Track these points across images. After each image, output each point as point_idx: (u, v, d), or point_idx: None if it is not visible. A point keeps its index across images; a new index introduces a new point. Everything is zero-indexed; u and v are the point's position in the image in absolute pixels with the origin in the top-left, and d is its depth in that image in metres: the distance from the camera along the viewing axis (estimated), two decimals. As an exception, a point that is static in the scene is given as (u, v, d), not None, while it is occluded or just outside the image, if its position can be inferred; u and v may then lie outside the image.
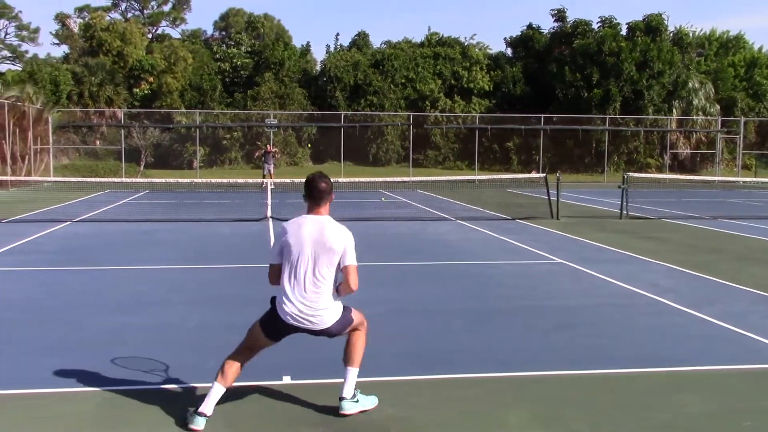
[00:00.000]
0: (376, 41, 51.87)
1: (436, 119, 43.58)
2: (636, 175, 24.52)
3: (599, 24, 46.14)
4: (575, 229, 16.00)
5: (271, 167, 29.84)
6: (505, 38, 51.90)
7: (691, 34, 49.09)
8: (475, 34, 79.35)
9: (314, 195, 4.93)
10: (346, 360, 5.03)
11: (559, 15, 47.23)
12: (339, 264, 4.85)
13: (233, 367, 4.89)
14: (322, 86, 44.67)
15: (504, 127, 41.15)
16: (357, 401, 5.00)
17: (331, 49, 48.93)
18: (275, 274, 4.92)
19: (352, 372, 5.01)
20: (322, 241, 4.79)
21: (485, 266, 11.34)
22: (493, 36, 78.67)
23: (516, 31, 51.55)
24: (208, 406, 4.79)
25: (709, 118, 43.51)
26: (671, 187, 31.78)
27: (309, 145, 41.56)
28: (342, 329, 4.95)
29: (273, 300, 4.93)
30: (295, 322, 4.81)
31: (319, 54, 54.69)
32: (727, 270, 10.81)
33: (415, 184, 29.27)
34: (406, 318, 7.83)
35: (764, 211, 20.94)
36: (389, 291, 9.21)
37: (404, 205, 22.20)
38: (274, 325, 4.88)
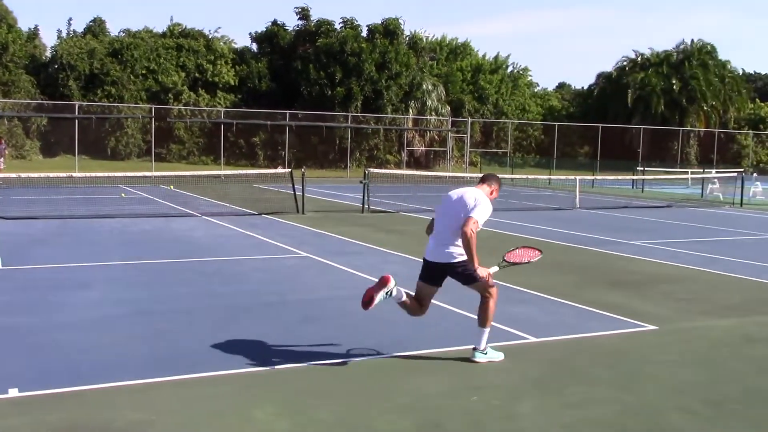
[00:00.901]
0: (113, 29, 49.17)
1: (179, 113, 42.34)
2: (376, 171, 25.71)
3: (341, 24, 47.59)
4: (320, 223, 16.41)
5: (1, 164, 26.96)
6: (250, 33, 51.89)
7: (424, 39, 52.35)
8: (219, 28, 78.22)
9: (482, 178, 6.48)
10: (478, 321, 6.26)
11: (303, 13, 48.00)
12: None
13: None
14: (53, 74, 41.40)
15: (250, 122, 41.08)
16: (485, 353, 6.23)
17: (63, 34, 45.55)
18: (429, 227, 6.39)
19: (482, 331, 6.19)
20: (464, 200, 6.10)
21: (231, 262, 11.25)
22: (238, 30, 78.29)
23: (261, 27, 51.53)
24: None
25: (441, 118, 46.78)
26: (408, 182, 33.69)
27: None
28: (465, 279, 6.10)
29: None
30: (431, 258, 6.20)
31: (49, 39, 50.52)
32: (457, 259, 11.68)
33: (157, 179, 28.19)
34: (151, 319, 7.53)
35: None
36: (132, 291, 8.81)
37: (146, 201, 21.31)
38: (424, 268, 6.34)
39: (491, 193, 6.27)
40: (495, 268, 6.29)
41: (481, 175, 6.86)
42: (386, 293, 6.00)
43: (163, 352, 6.38)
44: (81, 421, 4.79)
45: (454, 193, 6.22)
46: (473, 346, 6.25)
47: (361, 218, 17.99)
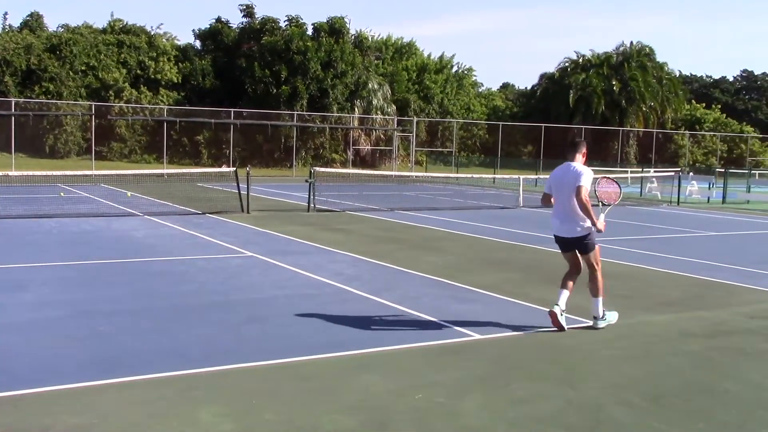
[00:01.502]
0: (51, 24, 47.99)
1: (121, 110, 41.52)
2: (322, 169, 25.62)
3: (287, 22, 47.31)
4: (265, 222, 16.29)
5: None
6: (193, 30, 51.13)
7: (370, 38, 52.40)
8: (162, 24, 77.12)
9: (567, 148, 7.46)
10: (591, 293, 7.45)
11: (248, 11, 47.58)
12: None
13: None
14: (-13, 69, 40.21)
15: (194, 120, 40.52)
16: (604, 319, 7.46)
17: (-1, 29, 44.28)
18: (546, 199, 7.53)
19: (596, 300, 7.39)
20: (569, 176, 7.16)
21: (174, 262, 11.08)
22: (181, 27, 77.31)
23: (205, 24, 50.95)
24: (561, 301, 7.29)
25: (386, 117, 46.89)
26: (354, 181, 33.69)
27: None
28: (584, 249, 7.30)
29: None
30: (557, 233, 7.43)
31: (-17, 33, 49.02)
32: (404, 257, 11.75)
33: (98, 177, 27.61)
34: (91, 320, 7.37)
35: (434, 203, 23.11)
36: (73, 292, 8.61)
37: (86, 200, 20.85)
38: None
39: (583, 156, 7.34)
40: (602, 216, 7.35)
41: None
42: (561, 313, 7.24)
43: (103, 354, 6.25)
44: (18, 427, 4.66)
45: (559, 174, 7.32)
46: (593, 315, 7.46)
47: (306, 217, 17.92)
